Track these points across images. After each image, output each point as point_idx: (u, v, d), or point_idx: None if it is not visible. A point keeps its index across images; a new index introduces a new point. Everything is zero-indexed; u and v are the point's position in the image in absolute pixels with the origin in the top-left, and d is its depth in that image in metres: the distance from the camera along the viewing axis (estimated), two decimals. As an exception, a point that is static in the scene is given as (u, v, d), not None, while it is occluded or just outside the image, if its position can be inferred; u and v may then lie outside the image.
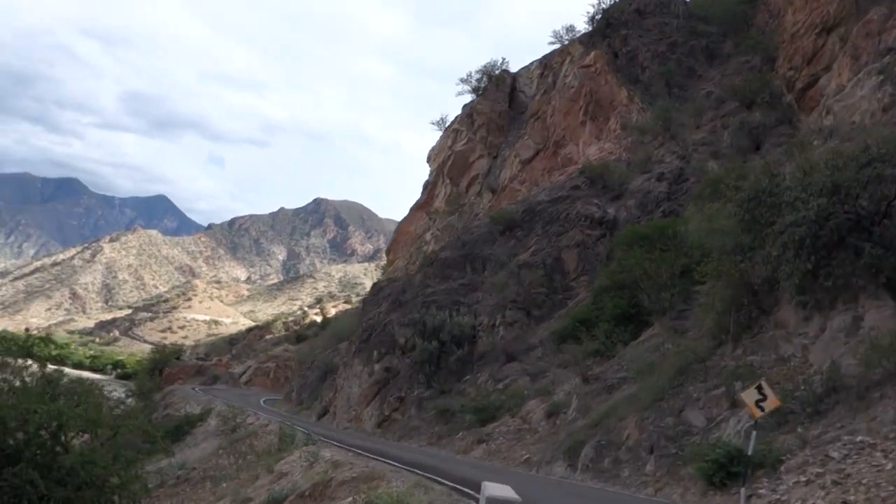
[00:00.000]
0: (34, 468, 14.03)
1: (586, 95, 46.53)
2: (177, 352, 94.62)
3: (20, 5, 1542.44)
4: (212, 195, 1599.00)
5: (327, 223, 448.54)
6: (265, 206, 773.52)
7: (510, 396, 25.49)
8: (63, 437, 15.43)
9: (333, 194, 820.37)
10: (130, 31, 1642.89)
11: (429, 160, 50.84)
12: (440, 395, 29.53)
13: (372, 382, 34.87)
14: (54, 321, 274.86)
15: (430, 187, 49.39)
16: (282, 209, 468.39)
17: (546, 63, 56.40)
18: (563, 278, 33.34)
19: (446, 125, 56.32)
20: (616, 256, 29.18)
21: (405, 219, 50.45)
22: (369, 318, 38.85)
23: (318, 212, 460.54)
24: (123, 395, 42.22)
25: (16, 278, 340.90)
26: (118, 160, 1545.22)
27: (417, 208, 49.41)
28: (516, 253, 35.62)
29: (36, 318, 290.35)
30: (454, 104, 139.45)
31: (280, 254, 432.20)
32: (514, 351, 29.99)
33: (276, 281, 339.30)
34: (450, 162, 53.69)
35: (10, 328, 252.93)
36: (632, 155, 39.38)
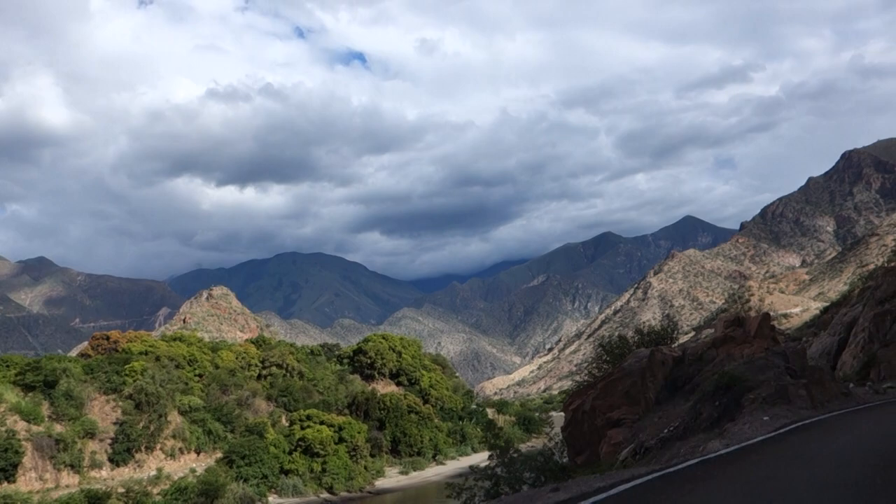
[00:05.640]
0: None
1: None
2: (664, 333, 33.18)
3: (526, 109, 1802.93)
4: (736, 197, 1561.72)
5: (867, 173, 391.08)
6: (793, 184, 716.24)
7: None
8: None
9: (862, 141, 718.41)
10: (604, 83, 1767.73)
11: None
12: None
13: None
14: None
15: None
16: (810, 179, 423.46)
17: None
18: None
19: None
20: None
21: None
22: None
23: (852, 166, 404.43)
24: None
25: (589, 335, 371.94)
26: (638, 201, 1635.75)
27: None
28: None
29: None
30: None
31: (828, 225, 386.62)
32: None
33: (834, 254, 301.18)
34: None
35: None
36: None
